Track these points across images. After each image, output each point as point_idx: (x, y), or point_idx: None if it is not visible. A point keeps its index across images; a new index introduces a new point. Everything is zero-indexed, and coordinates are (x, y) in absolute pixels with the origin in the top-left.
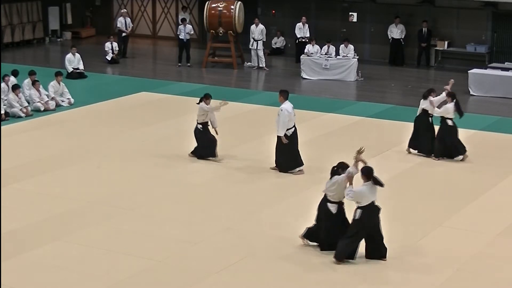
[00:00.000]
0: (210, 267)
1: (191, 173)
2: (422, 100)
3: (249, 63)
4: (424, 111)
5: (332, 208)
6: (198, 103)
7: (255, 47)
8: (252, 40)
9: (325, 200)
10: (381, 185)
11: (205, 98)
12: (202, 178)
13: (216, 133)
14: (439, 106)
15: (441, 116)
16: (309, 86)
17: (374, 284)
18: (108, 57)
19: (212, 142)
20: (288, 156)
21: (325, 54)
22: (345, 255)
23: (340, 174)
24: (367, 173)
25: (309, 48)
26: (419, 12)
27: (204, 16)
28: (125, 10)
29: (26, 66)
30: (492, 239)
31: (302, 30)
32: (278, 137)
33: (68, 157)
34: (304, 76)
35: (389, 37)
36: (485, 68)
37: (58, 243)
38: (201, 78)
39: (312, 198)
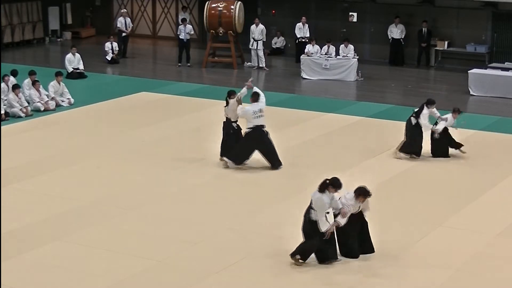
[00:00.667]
0: (210, 267)
1: (191, 173)
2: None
3: (249, 63)
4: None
5: (313, 215)
6: (226, 106)
7: (255, 47)
8: (252, 40)
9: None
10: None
11: (230, 95)
12: (202, 178)
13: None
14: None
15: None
16: (309, 86)
17: (374, 284)
18: (108, 57)
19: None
20: (237, 147)
21: (325, 54)
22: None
23: (329, 190)
24: (364, 193)
25: (309, 48)
26: (419, 12)
27: (204, 16)
28: (125, 10)
29: (26, 66)
30: (492, 239)
31: (302, 30)
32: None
33: (68, 157)
34: (304, 76)
35: (389, 37)
36: (485, 68)
37: (58, 243)
38: (201, 78)
39: None
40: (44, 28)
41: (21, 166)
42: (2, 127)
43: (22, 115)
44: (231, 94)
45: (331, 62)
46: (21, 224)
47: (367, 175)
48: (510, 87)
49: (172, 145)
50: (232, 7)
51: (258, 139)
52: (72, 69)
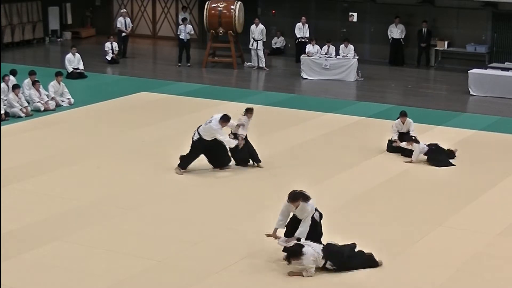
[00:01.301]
0: (210, 267)
1: (191, 173)
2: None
3: (249, 63)
4: None
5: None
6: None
7: (255, 47)
8: (252, 40)
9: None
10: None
11: (249, 112)
12: (202, 178)
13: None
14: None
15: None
16: (309, 86)
17: (374, 284)
18: (108, 57)
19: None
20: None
21: (325, 54)
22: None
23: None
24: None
25: (309, 48)
26: (419, 12)
27: (204, 16)
28: (125, 10)
29: (26, 66)
30: (492, 239)
31: (302, 30)
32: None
33: (68, 157)
34: (304, 76)
35: (389, 37)
36: (485, 68)
37: (58, 243)
38: (201, 78)
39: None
40: (44, 28)
41: (21, 166)
42: (2, 127)
43: (22, 115)
44: (248, 111)
45: (331, 62)
46: (21, 224)
47: (367, 175)
48: (510, 87)
49: (172, 145)
50: (232, 7)
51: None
52: (72, 69)
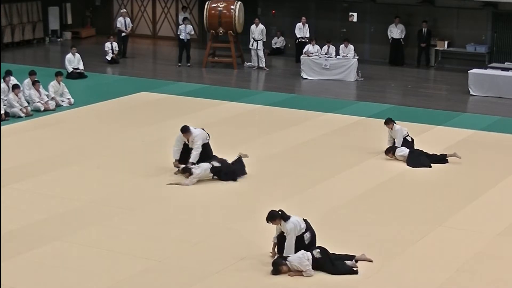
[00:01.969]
0: (210, 267)
1: None
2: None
3: (249, 63)
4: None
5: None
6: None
7: (255, 47)
8: (252, 40)
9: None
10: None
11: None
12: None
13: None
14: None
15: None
16: (309, 86)
17: (374, 284)
18: (108, 57)
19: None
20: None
21: (325, 54)
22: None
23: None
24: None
25: (309, 48)
26: (419, 12)
27: (204, 16)
28: (125, 10)
29: (26, 66)
30: (492, 239)
31: (302, 30)
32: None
33: (68, 157)
34: (304, 76)
35: (389, 37)
36: (485, 68)
37: (58, 243)
38: (201, 78)
39: (312, 198)
40: (44, 28)
41: (21, 166)
42: (2, 127)
43: (22, 115)
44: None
45: (331, 62)
46: (21, 224)
47: (367, 175)
48: (510, 87)
49: (172, 145)
50: (232, 7)
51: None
52: (72, 69)
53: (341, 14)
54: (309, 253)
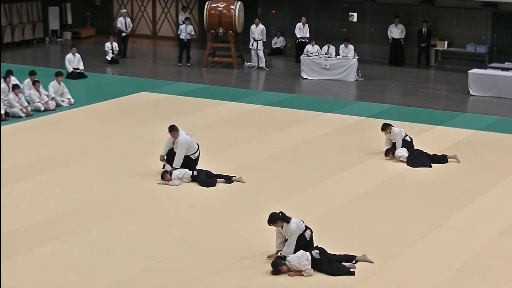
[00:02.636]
0: (210, 267)
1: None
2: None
3: (249, 63)
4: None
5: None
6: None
7: (255, 47)
8: (252, 40)
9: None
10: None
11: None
12: None
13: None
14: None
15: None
16: (309, 86)
17: (374, 284)
18: (108, 57)
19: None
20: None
21: (325, 54)
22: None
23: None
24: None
25: (308, 48)
26: (419, 12)
27: (204, 16)
28: (125, 10)
29: (26, 66)
30: (492, 239)
31: (302, 30)
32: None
33: (68, 157)
34: (304, 76)
35: (389, 37)
36: (485, 68)
37: (58, 243)
38: (201, 78)
39: (312, 198)
40: (44, 28)
41: (21, 166)
42: (2, 127)
43: (22, 115)
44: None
45: (331, 62)
46: (21, 224)
47: (367, 175)
48: (510, 87)
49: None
50: (232, 7)
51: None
52: (72, 69)
53: (341, 14)
54: (308, 253)
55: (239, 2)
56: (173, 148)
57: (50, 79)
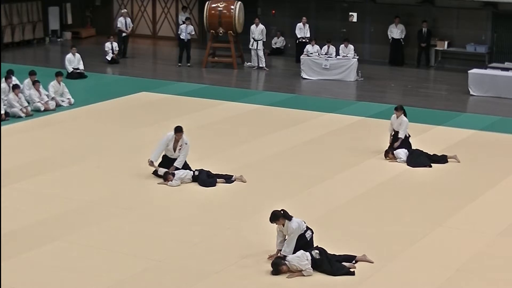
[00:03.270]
0: (210, 267)
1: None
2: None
3: (249, 63)
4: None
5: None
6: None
7: (255, 47)
8: (252, 40)
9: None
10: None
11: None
12: None
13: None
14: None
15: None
16: (309, 86)
17: (374, 284)
18: (108, 57)
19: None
20: None
21: (325, 54)
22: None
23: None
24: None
25: (309, 48)
26: (419, 12)
27: (204, 16)
28: (125, 10)
29: (26, 66)
30: (492, 239)
31: (302, 30)
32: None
33: (68, 157)
34: (304, 76)
35: (389, 37)
36: (485, 68)
37: (58, 243)
38: (201, 78)
39: (312, 198)
40: (44, 28)
41: (21, 166)
42: (2, 127)
43: (22, 115)
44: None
45: (331, 62)
46: (21, 224)
47: (367, 175)
48: (510, 87)
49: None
50: (232, 7)
51: None
52: (72, 69)
53: (341, 14)
54: (308, 253)
55: (239, 2)
56: (165, 152)
57: (50, 79)
